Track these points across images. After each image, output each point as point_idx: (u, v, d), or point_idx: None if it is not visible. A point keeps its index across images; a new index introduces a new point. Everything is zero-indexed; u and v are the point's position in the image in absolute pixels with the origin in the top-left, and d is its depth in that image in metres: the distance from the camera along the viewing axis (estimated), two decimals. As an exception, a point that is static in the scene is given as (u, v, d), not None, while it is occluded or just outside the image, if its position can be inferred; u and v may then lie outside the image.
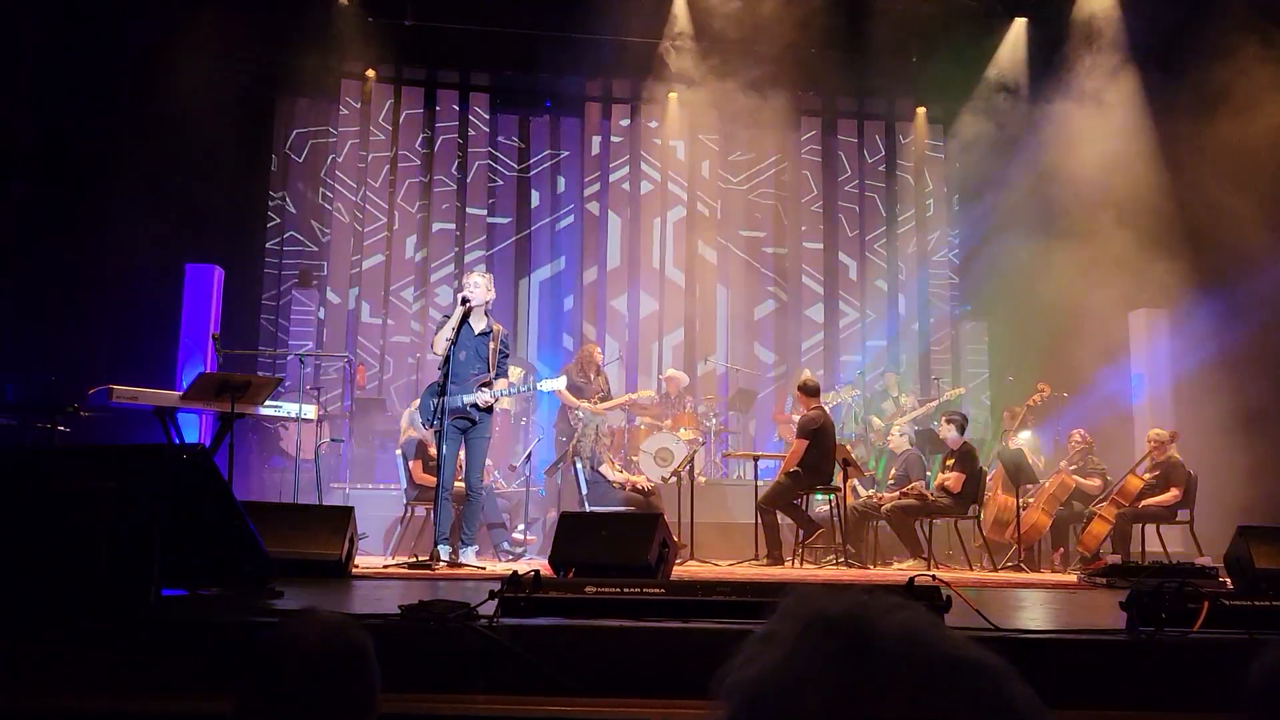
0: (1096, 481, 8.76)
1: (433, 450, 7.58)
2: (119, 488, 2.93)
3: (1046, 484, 8.75)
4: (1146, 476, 8.27)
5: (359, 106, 11.96)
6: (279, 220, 11.71)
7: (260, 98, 11.49)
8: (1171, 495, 8.09)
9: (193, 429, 8.75)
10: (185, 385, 6.86)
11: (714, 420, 10.85)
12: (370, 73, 11.90)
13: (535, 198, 12.36)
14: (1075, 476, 8.75)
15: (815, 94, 12.61)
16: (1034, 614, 4.27)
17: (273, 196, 11.72)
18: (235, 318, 10.67)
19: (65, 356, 8.88)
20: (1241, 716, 1.18)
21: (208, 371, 7.90)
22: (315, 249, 11.75)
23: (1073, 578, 6.92)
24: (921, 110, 12.77)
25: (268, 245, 11.63)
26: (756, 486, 8.58)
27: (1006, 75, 11.63)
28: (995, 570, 8.14)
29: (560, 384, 7.68)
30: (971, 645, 0.76)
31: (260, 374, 8.56)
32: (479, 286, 6.72)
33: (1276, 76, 9.33)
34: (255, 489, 9.26)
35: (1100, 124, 10.67)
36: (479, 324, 6.70)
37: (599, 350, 10.51)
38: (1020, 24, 11.61)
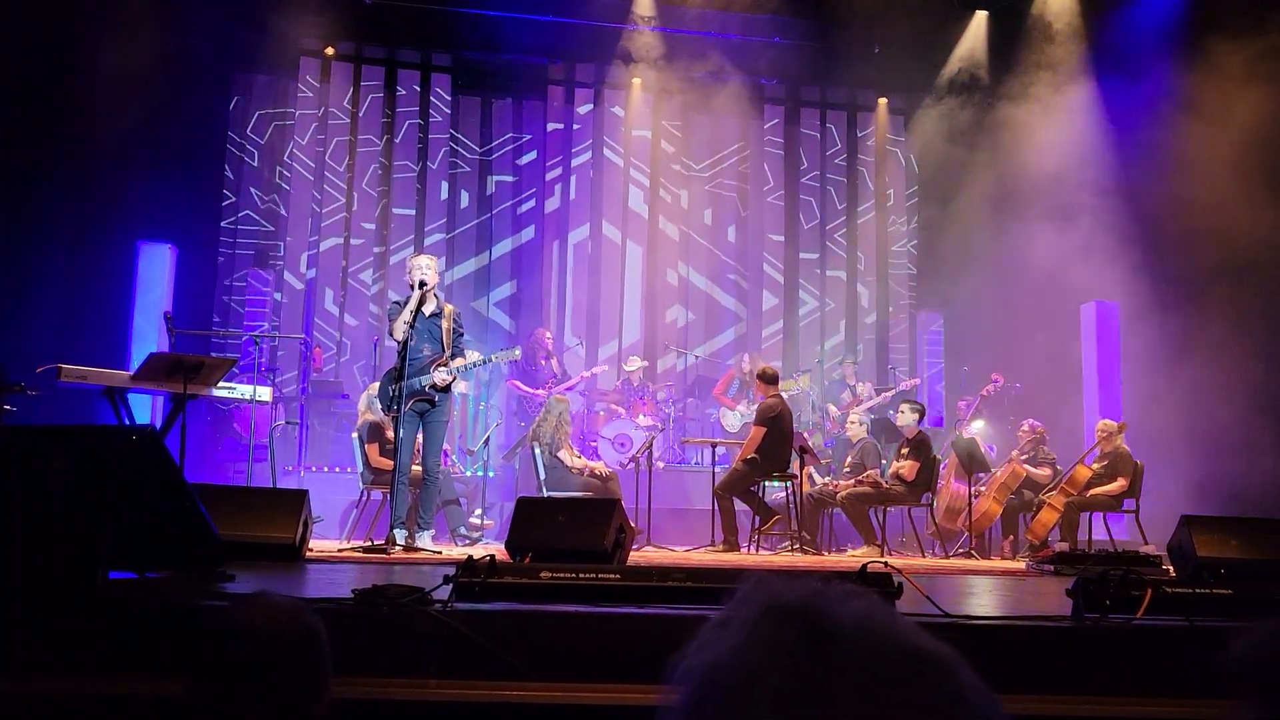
0: (1046, 471, 8.90)
1: (389, 434, 7.53)
2: (66, 468, 2.88)
3: (998, 473, 8.87)
4: (1095, 466, 8.41)
5: (318, 85, 11.79)
6: (234, 199, 11.53)
7: (216, 73, 11.29)
8: (1118, 485, 8.23)
9: (144, 410, 8.62)
10: (136, 365, 6.76)
11: (673, 407, 10.88)
12: (329, 50, 11.72)
13: (497, 181, 12.28)
14: (1026, 465, 8.88)
15: (779, 82, 12.65)
16: (983, 600, 4.34)
17: (229, 175, 11.53)
18: (189, 297, 10.50)
19: (12, 334, 8.71)
20: (1217, 702, 1.20)
21: (159, 351, 7.78)
22: (272, 229, 11.59)
23: (1021, 565, 7.03)
24: (883, 101, 12.85)
25: (223, 224, 11.44)
26: (714, 473, 8.62)
27: (967, 68, 11.73)
28: (947, 557, 8.26)
29: (515, 354, 7.69)
30: (924, 635, 0.76)
31: (214, 355, 8.45)
32: (429, 269, 6.67)
33: (1230, 75, 9.49)
34: (208, 471, 9.16)
35: (1057, 118, 10.81)
36: (428, 307, 6.66)
37: (548, 334, 10.49)
38: (981, 17, 11.71)
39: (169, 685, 1.74)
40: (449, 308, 6.82)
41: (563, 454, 8.37)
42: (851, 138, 12.98)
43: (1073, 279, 10.41)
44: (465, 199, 12.19)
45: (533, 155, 12.36)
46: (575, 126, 12.43)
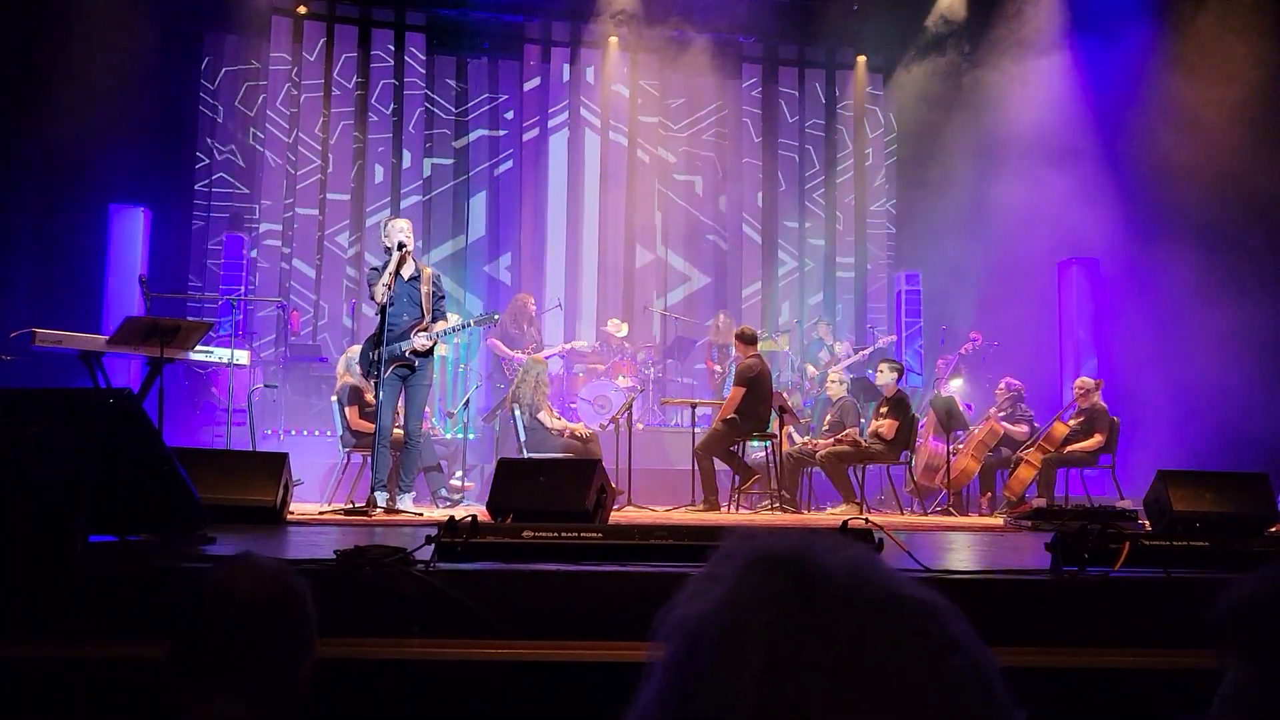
0: (1024, 428, 8.97)
1: (369, 396, 7.49)
2: (44, 432, 2.85)
3: (976, 431, 8.94)
4: (1072, 423, 8.48)
5: (290, 44, 11.61)
6: (208, 161, 11.38)
7: (186, 32, 11.08)
8: (1095, 441, 8.30)
9: (121, 375, 8.55)
10: (112, 329, 6.69)
11: (652, 368, 10.89)
12: (301, 9, 11.53)
13: (473, 141, 12.16)
14: (1004, 423, 8.94)
15: (756, 41, 12.55)
16: (962, 555, 4.38)
17: (201, 137, 11.37)
18: (164, 261, 10.39)
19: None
20: (1194, 652, 1.21)
21: (135, 315, 7.70)
22: (247, 191, 11.45)
23: (999, 521, 7.10)
24: (862, 59, 12.78)
25: (196, 187, 11.30)
26: (694, 433, 8.65)
27: (946, 25, 11.67)
28: (925, 514, 8.34)
29: (493, 319, 7.68)
30: (913, 584, 0.76)
31: (190, 318, 8.37)
32: (406, 232, 6.62)
33: (1210, 32, 9.49)
34: (186, 435, 9.10)
35: (1036, 75, 10.79)
36: (406, 270, 6.61)
37: (532, 300, 10.45)
38: (960, -28, 11.64)
39: (151, 648, 1.73)
40: (427, 270, 6.78)
41: (542, 415, 8.36)
42: (830, 96, 12.91)
43: (1051, 236, 10.45)
44: (442, 160, 12.07)
45: (509, 115, 12.24)
46: (553, 85, 12.31)
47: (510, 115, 12.24)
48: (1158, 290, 9.71)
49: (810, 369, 10.74)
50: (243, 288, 10.59)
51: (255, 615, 1.56)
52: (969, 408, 9.58)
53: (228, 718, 1.52)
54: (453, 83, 12.17)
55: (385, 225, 6.81)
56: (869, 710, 0.69)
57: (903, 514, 8.36)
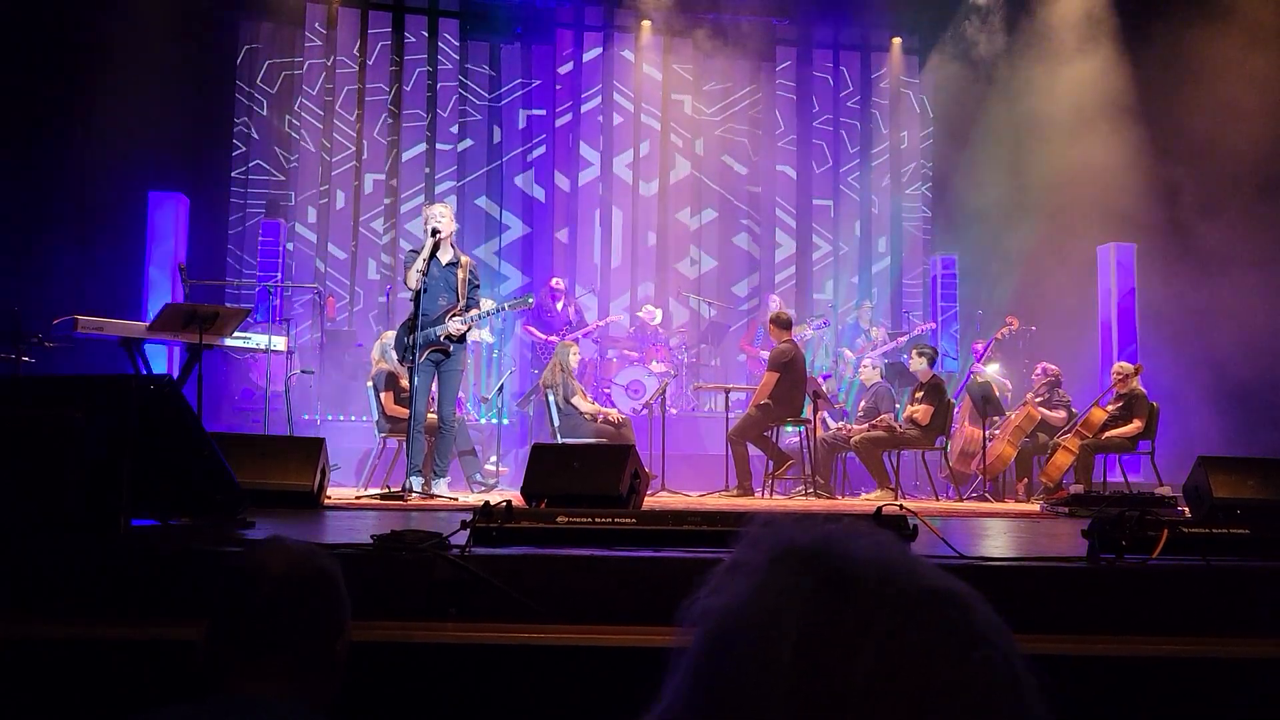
0: (1061, 413, 8.87)
1: (404, 382, 7.55)
2: (85, 417, 2.90)
3: (1012, 416, 8.85)
4: (1110, 409, 8.37)
5: (325, 31, 11.67)
6: (244, 149, 11.48)
7: (222, 20, 11.19)
8: (1134, 427, 8.19)
9: (161, 361, 8.67)
10: (152, 316, 6.77)
11: (686, 354, 10.88)
12: (335, -4, 11.60)
13: (506, 127, 12.18)
14: (1040, 409, 8.85)
15: (791, 23, 12.47)
16: (998, 542, 4.35)
17: (237, 124, 11.47)
18: (202, 248, 10.51)
19: (28, 286, 8.74)
20: (1233, 639, 1.19)
21: (174, 302, 7.80)
22: (282, 178, 11.55)
23: (1036, 507, 7.03)
24: (897, 41, 12.65)
25: (233, 174, 11.41)
26: (727, 419, 8.63)
27: (982, 6, 11.52)
28: (961, 500, 8.28)
29: (528, 302, 7.70)
30: (940, 573, 0.76)
31: (228, 305, 8.46)
32: (444, 217, 6.64)
33: (1254, 15, 9.31)
34: (225, 421, 9.22)
35: (1075, 57, 10.63)
36: (445, 255, 6.63)
37: (558, 280, 10.47)
38: (997, -47, 11.48)
39: (191, 629, 1.76)
40: (466, 259, 6.80)
41: (576, 400, 8.38)
42: (865, 79, 12.79)
43: (1089, 221, 10.32)
44: (475, 145, 12.11)
45: (543, 101, 12.24)
46: (586, 71, 12.29)
47: (544, 100, 12.23)
48: (1198, 275, 9.55)
49: (846, 353, 10.69)
50: (279, 274, 10.69)
51: (287, 594, 1.58)
52: (1005, 391, 9.48)
53: (264, 695, 1.54)
54: (486, 68, 12.19)
55: (426, 210, 6.84)
56: (899, 706, 0.69)
57: (938, 500, 8.31)
